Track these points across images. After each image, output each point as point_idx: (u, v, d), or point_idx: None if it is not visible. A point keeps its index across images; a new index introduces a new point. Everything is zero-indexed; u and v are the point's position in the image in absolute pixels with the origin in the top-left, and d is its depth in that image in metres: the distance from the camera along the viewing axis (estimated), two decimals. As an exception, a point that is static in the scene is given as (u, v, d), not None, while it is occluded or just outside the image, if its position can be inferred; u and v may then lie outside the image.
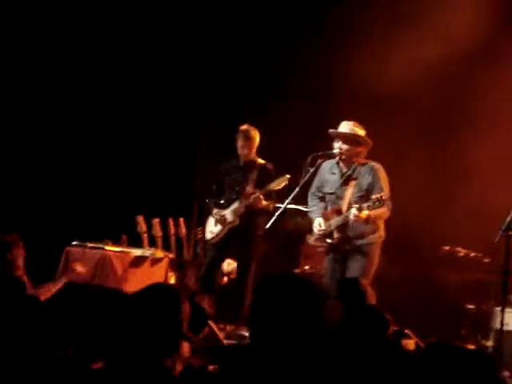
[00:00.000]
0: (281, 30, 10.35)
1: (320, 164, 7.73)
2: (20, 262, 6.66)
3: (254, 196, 8.41)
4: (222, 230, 8.73)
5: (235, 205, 8.65)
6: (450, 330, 8.62)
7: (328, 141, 7.80)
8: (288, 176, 8.03)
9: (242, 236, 8.56)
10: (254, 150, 8.70)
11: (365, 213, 7.26)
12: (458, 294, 8.85)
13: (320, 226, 7.61)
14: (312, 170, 7.65)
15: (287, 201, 7.78)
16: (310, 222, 7.94)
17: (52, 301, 6.79)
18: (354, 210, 7.28)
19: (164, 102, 10.79)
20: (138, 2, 10.70)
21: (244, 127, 8.67)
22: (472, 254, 8.90)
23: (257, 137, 8.67)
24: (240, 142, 8.68)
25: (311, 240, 7.80)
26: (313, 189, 7.92)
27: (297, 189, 7.73)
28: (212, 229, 8.86)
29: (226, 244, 8.75)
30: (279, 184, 8.18)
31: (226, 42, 10.62)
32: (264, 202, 8.39)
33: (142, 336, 3.27)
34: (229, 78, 10.72)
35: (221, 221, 8.69)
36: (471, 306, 8.74)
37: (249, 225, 8.46)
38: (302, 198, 8.23)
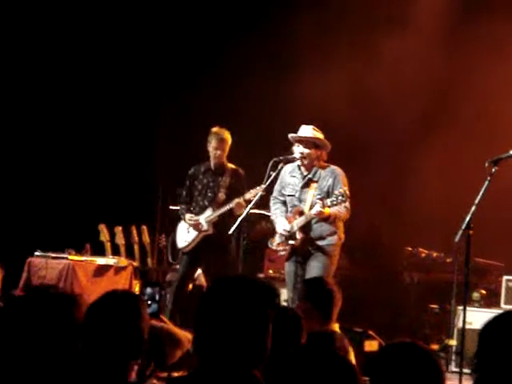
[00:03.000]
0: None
1: (281, 168, 7.76)
2: None
3: (237, 201, 8.22)
4: (195, 238, 8.48)
5: (207, 213, 8.46)
6: (413, 329, 8.70)
7: (285, 144, 7.83)
8: (263, 186, 7.85)
9: (216, 244, 8.33)
10: (226, 153, 8.51)
11: (327, 210, 7.31)
12: (421, 294, 8.93)
13: (284, 226, 7.63)
14: (274, 174, 7.67)
15: (250, 205, 7.76)
16: (274, 227, 7.95)
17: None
18: (317, 206, 7.34)
19: (122, 112, 10.74)
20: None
21: (216, 129, 8.45)
22: (434, 255, 8.99)
23: (229, 139, 8.46)
24: (213, 144, 8.43)
25: (274, 244, 7.81)
26: (275, 193, 7.94)
27: (259, 193, 7.74)
28: (185, 236, 8.57)
29: (199, 253, 8.49)
30: (255, 194, 7.96)
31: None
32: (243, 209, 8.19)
33: (105, 341, 3.27)
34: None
35: (195, 226, 8.48)
36: (434, 306, 8.82)
37: (222, 233, 8.18)
38: (264, 203, 8.25)
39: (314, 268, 7.45)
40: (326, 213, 7.35)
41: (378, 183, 9.31)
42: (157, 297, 8.00)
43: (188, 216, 8.49)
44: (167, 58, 10.96)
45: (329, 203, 7.31)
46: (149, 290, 8.13)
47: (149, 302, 6.80)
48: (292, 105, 9.60)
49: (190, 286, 8.80)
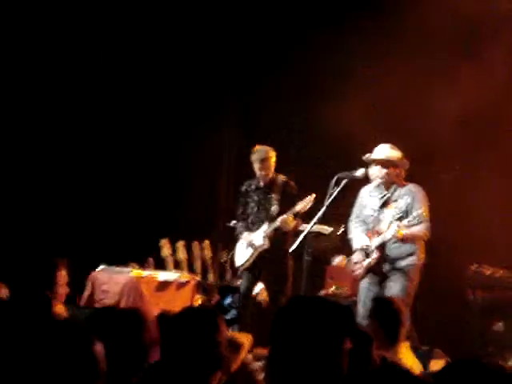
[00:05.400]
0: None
1: (344, 185, 7.70)
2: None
3: (281, 218, 8.29)
4: (252, 255, 8.51)
5: (263, 227, 8.47)
6: (478, 348, 8.59)
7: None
8: (314, 195, 7.90)
9: (274, 258, 8.36)
10: (272, 169, 8.49)
11: (403, 231, 7.28)
12: (485, 312, 8.82)
13: (363, 241, 7.59)
14: (337, 190, 7.63)
15: (312, 222, 7.74)
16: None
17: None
18: (392, 228, 7.31)
19: (187, 128, 10.81)
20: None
21: (257, 148, 8.46)
22: (499, 273, 8.87)
23: (273, 156, 8.44)
24: (256, 165, 8.46)
25: (348, 263, 7.79)
26: (352, 216, 7.90)
27: (322, 209, 7.71)
28: (242, 254, 8.62)
29: (258, 268, 8.53)
30: (306, 205, 8.05)
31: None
32: (292, 224, 8.27)
33: (184, 355, 3.29)
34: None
35: (251, 245, 8.50)
36: (499, 324, 8.70)
37: (279, 247, 8.28)
38: (327, 219, 8.23)
39: (393, 289, 7.39)
40: (400, 235, 7.31)
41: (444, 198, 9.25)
42: (236, 303, 8.05)
43: (245, 234, 8.56)
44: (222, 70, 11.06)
45: (406, 223, 7.27)
46: (227, 299, 8.20)
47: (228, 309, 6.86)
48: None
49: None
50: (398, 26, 9.47)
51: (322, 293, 9.51)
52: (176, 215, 10.35)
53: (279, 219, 8.28)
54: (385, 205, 7.62)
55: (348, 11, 9.91)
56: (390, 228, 7.36)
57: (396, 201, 7.54)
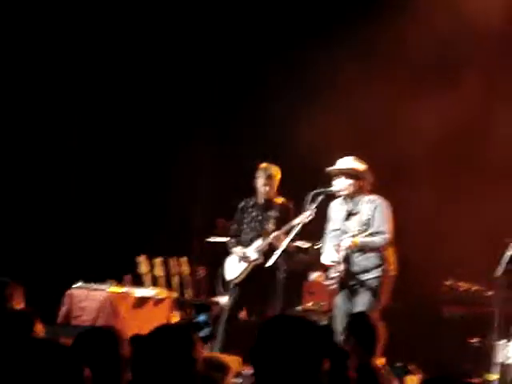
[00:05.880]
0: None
1: (321, 200, 7.75)
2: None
3: (275, 235, 8.33)
4: (245, 269, 8.49)
5: (258, 242, 8.48)
6: (454, 364, 8.63)
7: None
8: (309, 213, 7.84)
9: (266, 274, 8.28)
10: (275, 188, 8.54)
11: (356, 240, 7.33)
12: (461, 328, 8.87)
13: (331, 257, 7.62)
14: (313, 206, 7.68)
15: (289, 237, 7.79)
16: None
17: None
18: (347, 239, 7.38)
19: (161, 143, 10.84)
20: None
21: (264, 165, 8.50)
22: (474, 288, 8.93)
23: (278, 174, 8.52)
24: (261, 181, 8.49)
25: (325, 278, 7.81)
26: (326, 230, 7.92)
27: (298, 226, 7.75)
28: (234, 268, 8.59)
29: (249, 283, 8.49)
30: (299, 222, 7.94)
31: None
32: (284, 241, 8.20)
33: (159, 373, 3.30)
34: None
35: (244, 259, 8.49)
36: (474, 340, 8.75)
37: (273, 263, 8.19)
38: (303, 235, 8.27)
39: (359, 303, 7.43)
40: (354, 244, 7.36)
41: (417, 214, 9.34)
42: (209, 321, 8.04)
43: (238, 249, 8.55)
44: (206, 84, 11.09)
45: (363, 235, 7.34)
46: (201, 316, 8.18)
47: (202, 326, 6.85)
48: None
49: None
50: (380, 46, 9.63)
51: (300, 308, 9.54)
52: (153, 232, 10.37)
53: (272, 235, 8.31)
54: (348, 217, 7.67)
55: (336, 25, 10.03)
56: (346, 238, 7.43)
57: (358, 213, 7.59)
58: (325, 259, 7.74)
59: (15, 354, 2.76)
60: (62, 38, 10.46)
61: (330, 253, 7.65)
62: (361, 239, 7.37)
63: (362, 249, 7.45)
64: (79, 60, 10.63)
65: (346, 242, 7.41)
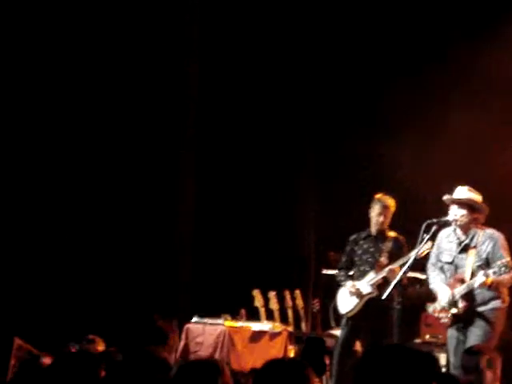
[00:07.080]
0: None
1: (436, 232, 7.59)
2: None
3: (389, 268, 8.19)
4: (358, 303, 8.35)
5: (370, 276, 8.36)
6: None
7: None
8: (430, 244, 7.70)
9: (380, 307, 8.17)
10: (388, 220, 8.44)
11: (490, 279, 7.12)
12: None
13: (448, 296, 7.42)
14: (427, 237, 7.53)
15: (404, 269, 7.65)
16: (429, 291, 7.79)
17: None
18: (480, 277, 7.14)
19: (274, 176, 10.92)
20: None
21: (380, 196, 8.42)
22: None
23: (393, 206, 8.42)
24: (377, 210, 8.39)
25: (433, 310, 7.60)
26: (432, 259, 7.73)
27: (413, 257, 7.62)
28: (347, 302, 8.45)
29: (363, 317, 8.34)
30: (419, 253, 7.80)
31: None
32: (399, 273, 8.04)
33: None
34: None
35: (356, 293, 8.38)
36: None
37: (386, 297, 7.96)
38: (418, 266, 8.12)
39: (474, 335, 7.23)
40: (488, 283, 7.16)
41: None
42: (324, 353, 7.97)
43: (349, 283, 8.43)
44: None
45: (491, 274, 7.11)
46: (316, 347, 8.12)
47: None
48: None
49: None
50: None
51: (418, 341, 9.37)
52: (267, 265, 10.40)
53: (387, 269, 8.19)
54: (464, 250, 7.46)
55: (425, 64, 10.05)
56: (477, 276, 7.20)
57: (475, 247, 7.37)
58: (443, 297, 7.49)
59: None
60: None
61: (445, 290, 7.44)
62: (494, 277, 7.13)
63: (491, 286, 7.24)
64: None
65: (479, 280, 7.18)
